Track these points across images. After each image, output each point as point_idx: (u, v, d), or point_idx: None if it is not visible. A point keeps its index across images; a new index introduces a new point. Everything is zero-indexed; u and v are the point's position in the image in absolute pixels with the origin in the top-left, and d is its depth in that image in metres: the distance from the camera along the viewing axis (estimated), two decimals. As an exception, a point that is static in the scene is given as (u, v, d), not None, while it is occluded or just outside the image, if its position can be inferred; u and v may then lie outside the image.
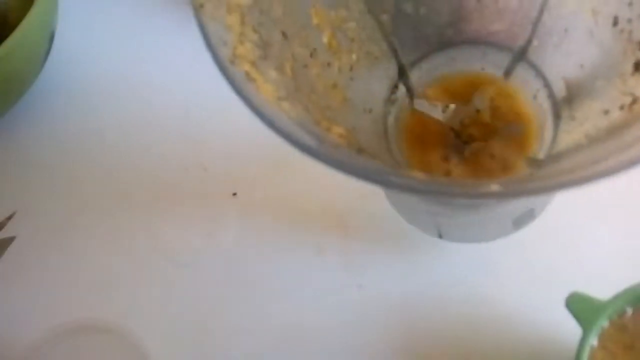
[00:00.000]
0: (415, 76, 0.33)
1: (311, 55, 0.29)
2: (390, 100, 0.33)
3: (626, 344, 0.32)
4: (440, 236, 0.36)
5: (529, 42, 0.32)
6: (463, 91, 0.33)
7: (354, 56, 0.31)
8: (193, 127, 0.46)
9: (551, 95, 0.32)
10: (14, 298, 0.39)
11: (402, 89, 0.33)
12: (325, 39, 0.30)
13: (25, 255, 0.41)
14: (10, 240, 0.40)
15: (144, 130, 0.46)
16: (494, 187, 0.22)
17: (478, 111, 0.32)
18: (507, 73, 0.33)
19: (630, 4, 0.28)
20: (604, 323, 0.32)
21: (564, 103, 0.31)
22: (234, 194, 0.43)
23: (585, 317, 0.31)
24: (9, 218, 0.39)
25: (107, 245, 0.41)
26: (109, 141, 0.46)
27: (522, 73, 0.33)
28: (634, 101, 0.27)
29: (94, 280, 0.40)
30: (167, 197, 0.43)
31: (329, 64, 0.30)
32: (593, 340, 0.31)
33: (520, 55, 0.32)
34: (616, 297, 0.31)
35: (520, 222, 0.35)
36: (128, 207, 0.43)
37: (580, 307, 0.31)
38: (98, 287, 0.40)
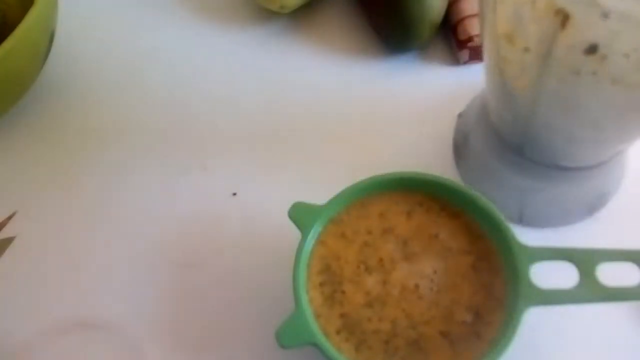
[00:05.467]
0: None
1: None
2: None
3: (338, 234, 0.35)
4: (520, 219, 0.39)
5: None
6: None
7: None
8: (193, 127, 0.46)
9: None
10: (13, 297, 0.39)
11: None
12: None
13: (25, 255, 0.41)
14: (10, 240, 0.40)
15: (144, 130, 0.46)
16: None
17: None
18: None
19: None
20: (324, 223, 0.35)
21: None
22: (234, 194, 0.43)
23: (303, 221, 0.35)
24: (9, 218, 0.39)
25: (107, 245, 0.41)
26: (108, 141, 0.46)
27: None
28: None
29: (94, 280, 0.40)
30: (167, 197, 0.43)
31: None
32: (314, 239, 0.35)
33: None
34: (330, 201, 0.35)
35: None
36: (128, 206, 0.43)
37: (299, 213, 0.35)
38: (98, 287, 0.40)
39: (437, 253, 0.35)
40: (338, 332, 0.33)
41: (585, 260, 0.32)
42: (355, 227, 0.36)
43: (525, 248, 0.33)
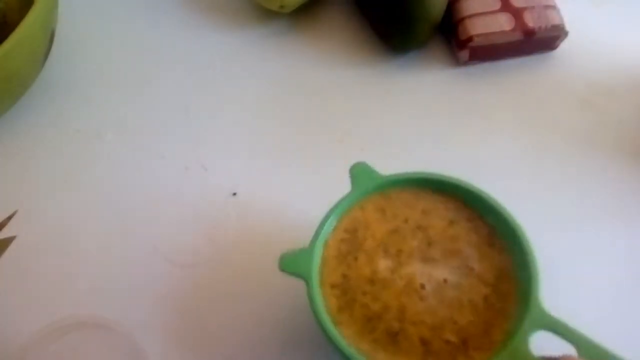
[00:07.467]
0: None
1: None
2: None
3: (378, 207, 0.36)
4: None
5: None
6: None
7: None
8: (193, 127, 0.46)
9: None
10: (13, 297, 0.39)
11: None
12: None
13: (25, 255, 0.41)
14: (10, 240, 0.39)
15: (143, 130, 0.46)
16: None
17: None
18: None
19: None
20: (375, 190, 0.36)
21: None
22: (234, 194, 0.43)
23: (359, 180, 0.36)
24: (10, 218, 0.39)
25: (106, 245, 0.41)
26: (108, 141, 0.46)
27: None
28: None
29: (94, 280, 0.40)
30: (168, 196, 0.43)
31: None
32: (357, 200, 0.36)
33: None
34: (394, 175, 0.36)
35: None
36: (128, 206, 0.43)
37: (359, 173, 0.36)
38: (98, 287, 0.40)
39: (456, 267, 0.34)
40: (332, 286, 0.34)
41: (588, 350, 0.31)
42: (396, 211, 0.36)
43: (537, 314, 0.32)
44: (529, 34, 0.47)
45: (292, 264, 0.34)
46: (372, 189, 0.36)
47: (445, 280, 0.34)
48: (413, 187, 0.36)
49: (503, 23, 0.47)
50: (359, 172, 0.36)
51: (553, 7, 0.48)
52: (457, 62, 0.49)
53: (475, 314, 0.33)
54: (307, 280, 0.33)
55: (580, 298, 0.39)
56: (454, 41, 0.49)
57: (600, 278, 0.40)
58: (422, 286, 0.33)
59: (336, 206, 0.35)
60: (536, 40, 0.48)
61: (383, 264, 0.34)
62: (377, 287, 0.34)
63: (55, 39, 0.47)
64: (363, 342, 0.33)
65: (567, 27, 0.48)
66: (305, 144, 0.46)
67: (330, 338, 0.32)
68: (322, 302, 0.33)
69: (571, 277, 0.39)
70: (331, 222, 0.35)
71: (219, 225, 0.42)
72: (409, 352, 0.32)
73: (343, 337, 0.32)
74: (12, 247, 0.39)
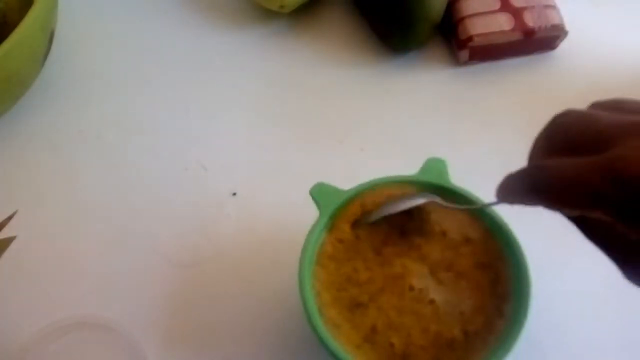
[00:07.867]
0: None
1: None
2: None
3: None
4: None
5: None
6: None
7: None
8: (193, 127, 0.46)
9: None
10: (14, 297, 0.39)
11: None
12: None
13: (25, 255, 0.41)
14: (10, 240, 0.39)
15: (144, 130, 0.46)
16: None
17: None
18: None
19: None
20: (436, 190, 0.36)
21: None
22: (234, 194, 0.43)
23: (428, 171, 0.36)
24: (10, 218, 0.39)
25: (107, 245, 0.41)
26: (109, 141, 0.46)
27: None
28: None
29: (94, 280, 0.40)
30: (167, 197, 0.43)
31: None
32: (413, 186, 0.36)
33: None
34: (460, 188, 0.36)
35: None
36: (128, 207, 0.43)
37: (432, 166, 0.37)
38: (98, 287, 0.40)
39: (450, 301, 0.33)
40: (339, 241, 0.35)
41: None
42: (449, 221, 0.35)
43: None
44: (529, 33, 0.47)
45: (319, 193, 0.35)
46: (434, 185, 0.36)
47: (432, 301, 0.33)
48: (475, 213, 0.35)
49: (503, 23, 0.47)
50: (432, 166, 0.37)
51: (553, 7, 0.48)
52: (457, 62, 0.49)
53: (432, 344, 0.32)
54: (320, 213, 0.34)
55: (578, 299, 0.39)
56: (454, 41, 0.49)
57: (599, 277, 0.40)
58: (411, 288, 0.33)
59: (391, 177, 0.36)
60: (536, 40, 0.48)
61: (397, 248, 0.34)
62: (377, 261, 0.34)
63: (55, 39, 0.47)
64: (328, 293, 0.33)
65: (567, 27, 0.48)
66: (305, 144, 0.46)
67: (299, 274, 0.33)
68: (320, 244, 0.34)
69: (570, 274, 0.39)
70: (364, 187, 0.36)
71: (219, 226, 0.42)
72: (355, 327, 0.32)
73: (316, 279, 0.33)
74: (12, 247, 0.39)
